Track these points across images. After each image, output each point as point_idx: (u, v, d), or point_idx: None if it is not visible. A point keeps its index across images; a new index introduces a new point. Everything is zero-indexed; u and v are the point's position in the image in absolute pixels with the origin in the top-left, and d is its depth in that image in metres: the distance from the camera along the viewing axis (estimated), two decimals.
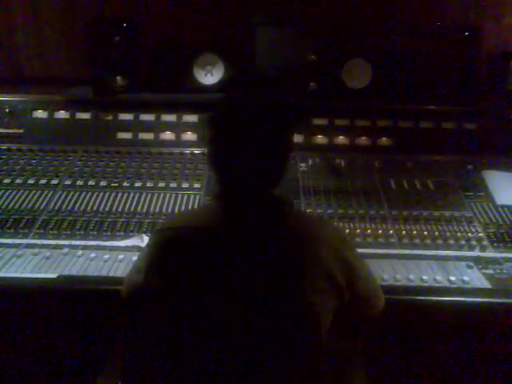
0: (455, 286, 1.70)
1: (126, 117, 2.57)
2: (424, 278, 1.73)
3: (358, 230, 2.02)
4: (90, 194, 2.20)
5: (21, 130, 2.52)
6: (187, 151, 2.50)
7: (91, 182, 2.27)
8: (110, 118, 2.56)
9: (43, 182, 2.26)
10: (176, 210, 2.13)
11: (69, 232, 1.97)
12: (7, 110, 2.53)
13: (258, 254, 1.31)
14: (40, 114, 2.55)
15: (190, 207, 2.15)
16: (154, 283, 1.35)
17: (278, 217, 1.37)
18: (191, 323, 1.32)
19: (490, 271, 1.78)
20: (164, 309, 1.35)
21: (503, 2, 2.67)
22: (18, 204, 2.12)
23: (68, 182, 2.27)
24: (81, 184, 2.26)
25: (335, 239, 1.39)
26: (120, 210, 2.11)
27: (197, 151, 2.50)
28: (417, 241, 1.97)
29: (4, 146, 2.47)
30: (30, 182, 2.26)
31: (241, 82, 1.45)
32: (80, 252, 1.85)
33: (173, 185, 2.28)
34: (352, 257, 1.40)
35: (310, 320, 1.31)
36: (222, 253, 1.32)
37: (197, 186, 2.27)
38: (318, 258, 1.32)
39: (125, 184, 2.27)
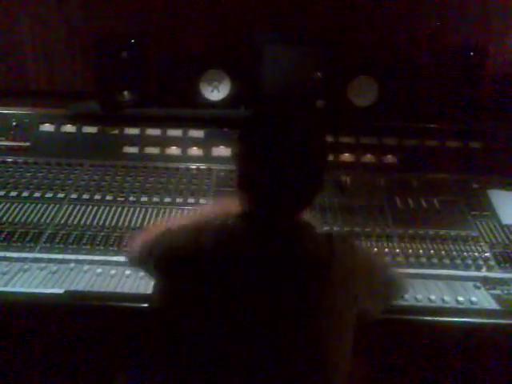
0: (463, 306, 1.69)
1: (133, 131, 2.58)
2: (432, 298, 1.72)
3: None
4: (96, 208, 2.20)
5: (27, 143, 2.52)
6: (193, 166, 2.50)
7: (97, 196, 2.27)
8: (116, 132, 2.57)
9: (49, 195, 2.26)
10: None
11: (75, 246, 1.97)
12: (14, 123, 2.53)
13: (279, 279, 1.27)
14: (47, 127, 2.56)
15: None
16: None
17: (303, 242, 1.31)
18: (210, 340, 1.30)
19: (498, 292, 1.78)
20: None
21: (508, 21, 2.69)
22: (24, 217, 2.11)
23: (74, 196, 2.26)
24: (87, 198, 2.26)
25: (363, 270, 1.37)
26: (126, 224, 2.11)
27: (203, 166, 2.50)
28: (423, 260, 1.97)
29: (10, 159, 2.47)
30: (36, 195, 2.25)
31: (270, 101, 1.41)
32: (86, 267, 1.84)
33: (179, 200, 2.27)
34: (380, 284, 1.43)
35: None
36: (242, 274, 1.28)
37: (203, 201, 2.27)
38: (342, 289, 1.29)
39: (131, 198, 2.27)
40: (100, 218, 2.14)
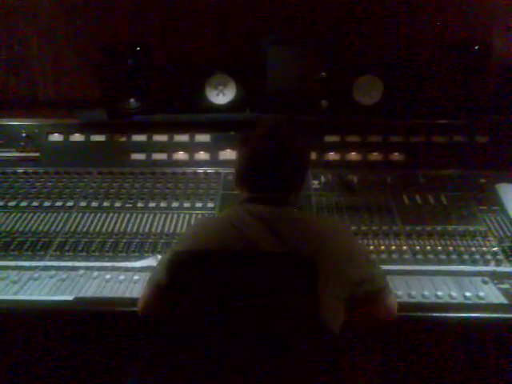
0: (471, 302, 1.69)
1: (140, 138, 2.60)
2: (439, 294, 1.72)
3: (372, 247, 2.02)
4: (104, 215, 2.23)
5: (37, 154, 2.56)
6: (200, 171, 2.52)
7: (106, 204, 2.30)
8: (123, 139, 2.60)
9: (59, 204, 2.29)
10: None
11: (84, 254, 2.00)
12: (23, 134, 2.57)
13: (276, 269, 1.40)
14: (56, 137, 2.60)
15: None
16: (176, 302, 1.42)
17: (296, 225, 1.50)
18: (214, 336, 1.36)
19: (506, 286, 1.77)
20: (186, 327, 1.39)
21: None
22: (34, 227, 2.15)
23: (83, 204, 2.30)
24: (96, 205, 2.29)
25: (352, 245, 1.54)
26: (135, 230, 2.13)
27: (210, 170, 2.52)
28: (431, 256, 1.96)
29: (21, 170, 2.52)
30: (46, 204, 2.29)
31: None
32: (95, 273, 1.87)
33: (186, 205, 2.30)
34: (364, 260, 1.53)
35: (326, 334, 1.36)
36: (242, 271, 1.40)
37: (210, 205, 2.29)
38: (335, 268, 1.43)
39: (139, 205, 2.30)
40: (109, 225, 2.16)
